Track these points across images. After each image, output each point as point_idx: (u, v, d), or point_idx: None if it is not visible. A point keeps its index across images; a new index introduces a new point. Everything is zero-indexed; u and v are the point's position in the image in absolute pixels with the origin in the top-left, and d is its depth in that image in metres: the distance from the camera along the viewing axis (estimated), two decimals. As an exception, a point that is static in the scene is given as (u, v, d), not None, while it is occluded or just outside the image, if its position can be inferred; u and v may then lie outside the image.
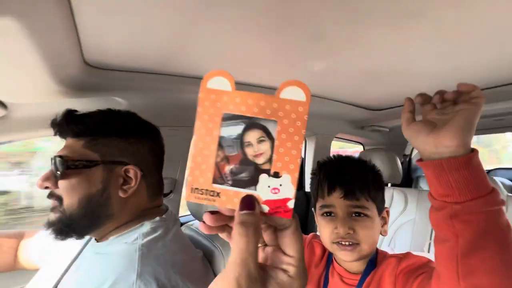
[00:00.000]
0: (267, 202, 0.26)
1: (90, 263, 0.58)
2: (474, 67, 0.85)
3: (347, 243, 0.54)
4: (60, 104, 0.70)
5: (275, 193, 0.26)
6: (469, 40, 0.65)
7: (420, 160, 0.39)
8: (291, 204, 0.26)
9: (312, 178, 0.66)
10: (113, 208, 0.56)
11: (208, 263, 0.70)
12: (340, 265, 0.60)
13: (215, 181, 0.26)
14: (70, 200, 0.54)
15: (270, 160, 0.26)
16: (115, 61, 0.67)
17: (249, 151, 0.26)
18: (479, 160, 0.35)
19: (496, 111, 1.24)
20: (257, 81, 0.93)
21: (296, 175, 0.26)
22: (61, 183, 0.54)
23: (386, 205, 0.64)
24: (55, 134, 0.61)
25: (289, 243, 0.25)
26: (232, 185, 0.26)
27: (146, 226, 0.57)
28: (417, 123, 0.39)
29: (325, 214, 0.58)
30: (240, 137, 0.27)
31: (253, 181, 0.26)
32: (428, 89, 1.14)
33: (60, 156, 0.54)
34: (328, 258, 0.64)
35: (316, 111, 1.32)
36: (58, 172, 0.53)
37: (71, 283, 0.57)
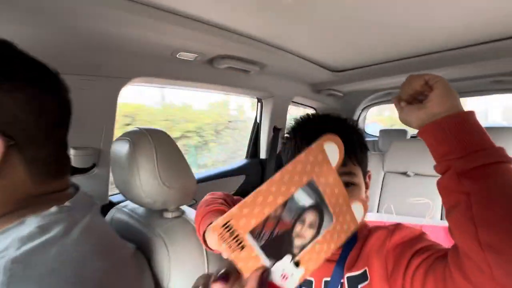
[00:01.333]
0: (270, 283, 0.27)
1: None
2: (447, 26, 0.80)
3: None
4: None
5: (282, 278, 0.27)
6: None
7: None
8: None
9: (285, 142, 0.52)
10: None
11: (143, 257, 0.53)
12: None
13: (253, 231, 0.25)
14: None
15: (302, 248, 0.28)
16: None
17: (297, 228, 0.28)
18: (476, 118, 0.36)
19: (464, 74, 1.26)
20: (198, 12, 0.69)
21: (308, 274, 0.28)
22: None
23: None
24: None
25: None
26: (261, 246, 0.26)
27: (29, 224, 0.35)
28: (408, 106, 0.40)
29: None
30: (302, 210, 0.28)
31: (278, 255, 0.27)
32: (399, 47, 1.06)
33: None
34: None
35: (276, 68, 1.16)
36: None
37: None
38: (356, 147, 0.48)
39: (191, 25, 0.70)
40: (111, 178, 0.89)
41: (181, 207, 0.64)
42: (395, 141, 1.28)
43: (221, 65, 0.94)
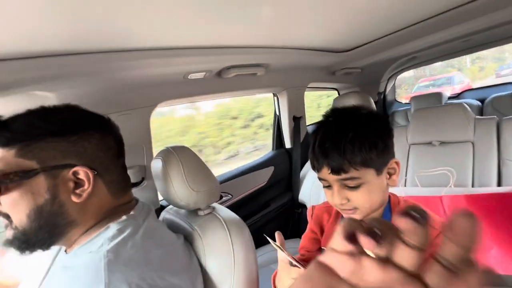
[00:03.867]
0: None
1: (58, 279, 0.54)
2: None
3: (346, 208, 0.56)
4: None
5: None
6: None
7: None
8: None
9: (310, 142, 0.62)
10: (71, 214, 0.52)
11: (190, 245, 0.68)
12: None
13: None
14: (18, 216, 0.50)
15: None
16: (16, 47, 0.54)
17: None
18: None
19: (461, 32, 1.19)
20: (198, 42, 0.80)
21: None
22: (2, 200, 0.49)
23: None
24: None
25: None
26: None
27: (112, 228, 0.53)
28: None
29: (324, 187, 0.59)
30: None
31: None
32: (393, 19, 1.03)
33: None
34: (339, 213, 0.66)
35: (283, 64, 1.22)
36: None
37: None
38: (356, 153, 0.52)
39: (195, 53, 0.83)
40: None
41: (212, 204, 0.78)
42: (416, 110, 1.24)
43: (229, 75, 1.05)
